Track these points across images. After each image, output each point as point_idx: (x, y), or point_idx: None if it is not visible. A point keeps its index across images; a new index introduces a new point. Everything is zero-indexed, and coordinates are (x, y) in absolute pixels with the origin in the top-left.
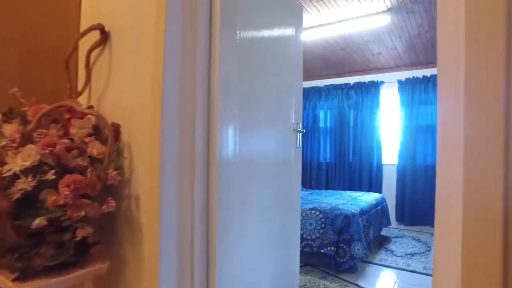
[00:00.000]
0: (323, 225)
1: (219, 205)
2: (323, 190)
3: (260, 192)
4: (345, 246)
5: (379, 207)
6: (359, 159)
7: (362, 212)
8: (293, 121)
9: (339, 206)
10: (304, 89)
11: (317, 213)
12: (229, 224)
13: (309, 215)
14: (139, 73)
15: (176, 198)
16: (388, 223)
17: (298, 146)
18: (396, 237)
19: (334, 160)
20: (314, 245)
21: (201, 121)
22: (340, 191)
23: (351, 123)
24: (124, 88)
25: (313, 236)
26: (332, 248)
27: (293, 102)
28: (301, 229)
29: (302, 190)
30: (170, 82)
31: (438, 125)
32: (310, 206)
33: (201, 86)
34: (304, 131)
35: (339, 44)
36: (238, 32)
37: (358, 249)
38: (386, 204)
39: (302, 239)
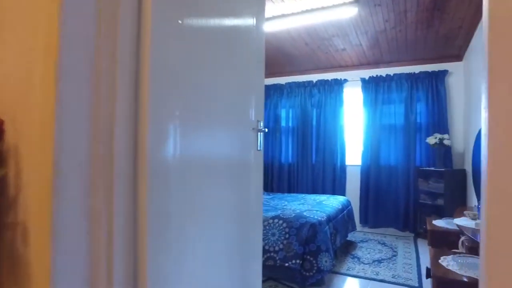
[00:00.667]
0: (287, 236)
1: (153, 226)
2: (286, 194)
3: (211, 201)
4: (311, 258)
5: (345, 212)
6: (323, 160)
7: (329, 219)
8: (253, 119)
9: (304, 213)
10: (266, 86)
11: (280, 222)
12: (168, 246)
13: (272, 225)
14: (26, 42)
15: (81, 227)
16: (353, 227)
17: (259, 148)
18: (362, 241)
19: (297, 161)
20: (277, 258)
21: (124, 121)
22: (304, 195)
23: (314, 123)
24: (6, 67)
25: (276, 248)
26: (298, 261)
27: (253, 99)
28: (263, 240)
29: (263, 194)
30: (70, 60)
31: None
32: (273, 213)
33: (124, 74)
34: (266, 130)
35: (303, 38)
36: (181, 15)
37: (326, 261)
38: (351, 208)
39: (265, 251)
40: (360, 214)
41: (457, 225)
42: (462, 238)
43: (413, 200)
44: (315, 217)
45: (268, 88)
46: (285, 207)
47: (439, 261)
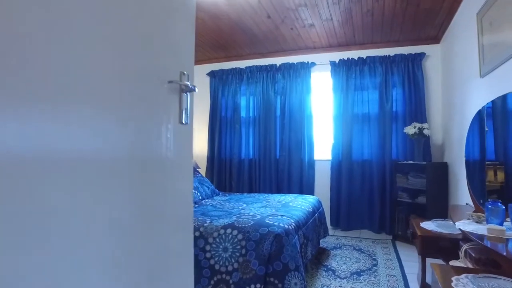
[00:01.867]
0: (243, 251)
1: None
2: (245, 194)
3: (72, 219)
4: (276, 281)
5: (316, 215)
6: (288, 154)
7: (298, 226)
8: (170, 69)
9: (266, 220)
10: (223, 71)
11: (235, 232)
12: None
13: (223, 236)
14: None
15: None
16: (326, 232)
17: (184, 121)
18: (335, 248)
19: (259, 156)
20: (231, 282)
21: None
22: (267, 195)
23: (278, 112)
24: None
25: (230, 268)
26: (258, 285)
27: (170, 34)
28: (213, 258)
29: (218, 195)
30: None
31: None
32: (225, 221)
33: None
34: (196, 89)
35: (265, 7)
36: None
37: (296, 283)
38: (323, 209)
39: (214, 271)
40: (331, 215)
41: (462, 231)
42: (465, 246)
43: (390, 199)
44: (281, 224)
45: (226, 72)
46: (242, 211)
47: (452, 284)
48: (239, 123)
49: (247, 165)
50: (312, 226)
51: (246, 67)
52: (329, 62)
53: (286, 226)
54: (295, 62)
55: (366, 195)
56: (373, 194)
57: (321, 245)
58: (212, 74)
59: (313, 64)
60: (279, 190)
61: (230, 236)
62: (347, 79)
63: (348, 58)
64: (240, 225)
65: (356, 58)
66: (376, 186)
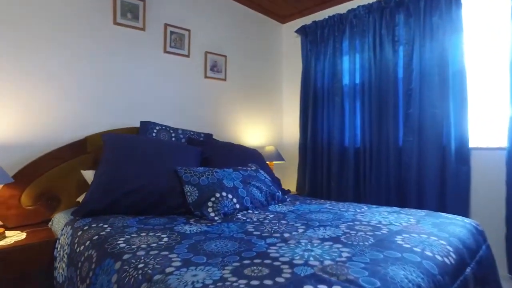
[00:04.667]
0: None
1: None
2: (321, 205)
3: None
4: None
5: (470, 269)
6: (418, 139)
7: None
8: None
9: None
10: (317, 24)
11: None
12: None
13: None
14: None
15: None
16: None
17: None
18: None
19: (370, 143)
20: None
21: None
22: (360, 209)
23: (400, 73)
24: None
25: None
26: None
27: None
28: None
29: (282, 201)
30: None
31: None
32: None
33: None
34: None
35: None
36: None
37: None
38: (488, 249)
39: None
40: (510, 256)
41: None
42: None
43: None
44: None
45: (320, 26)
46: (273, 253)
47: None
48: (340, 94)
49: (352, 157)
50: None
51: (348, 11)
52: None
53: None
54: None
55: None
56: None
57: None
58: (303, 31)
59: None
60: (402, 200)
61: None
62: None
63: None
64: None
65: None
66: None
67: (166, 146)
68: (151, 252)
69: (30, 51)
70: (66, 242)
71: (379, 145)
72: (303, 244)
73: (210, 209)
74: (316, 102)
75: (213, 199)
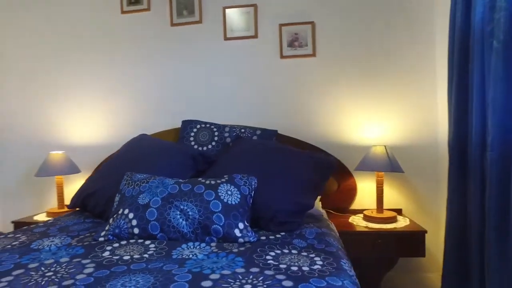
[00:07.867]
0: None
1: None
2: None
3: None
4: None
5: None
6: None
7: None
8: None
9: None
10: None
11: None
12: None
13: None
14: None
15: None
16: None
17: None
18: None
19: None
20: None
21: None
22: None
23: None
24: None
25: None
26: None
27: None
28: None
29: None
30: None
31: None
32: None
33: None
34: None
35: None
36: None
37: None
38: None
39: None
40: None
41: None
42: None
43: None
44: None
45: None
46: None
47: None
48: (489, 47)
49: None
50: None
51: None
52: None
53: None
54: None
55: None
56: None
57: None
58: None
59: None
60: None
61: None
62: None
63: None
64: None
65: None
66: None
67: (151, 151)
68: None
69: (112, 70)
70: None
71: None
72: None
73: (107, 226)
74: (472, 56)
75: (115, 215)
